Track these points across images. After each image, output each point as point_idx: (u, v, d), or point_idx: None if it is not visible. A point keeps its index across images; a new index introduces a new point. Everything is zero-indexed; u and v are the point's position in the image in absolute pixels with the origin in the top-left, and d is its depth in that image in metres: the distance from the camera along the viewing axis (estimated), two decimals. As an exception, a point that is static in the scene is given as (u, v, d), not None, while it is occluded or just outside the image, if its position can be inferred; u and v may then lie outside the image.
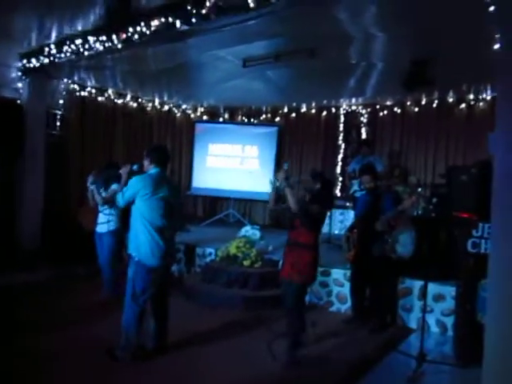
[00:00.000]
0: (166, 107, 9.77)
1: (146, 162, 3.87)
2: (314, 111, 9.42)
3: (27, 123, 6.84)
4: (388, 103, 8.50)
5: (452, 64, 5.49)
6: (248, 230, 6.78)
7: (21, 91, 6.97)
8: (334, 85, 7.43)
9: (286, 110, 9.70)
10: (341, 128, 9.16)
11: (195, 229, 8.28)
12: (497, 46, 3.16)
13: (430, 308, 4.82)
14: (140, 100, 9.19)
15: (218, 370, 3.73)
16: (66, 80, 7.69)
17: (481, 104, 7.58)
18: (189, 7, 4.23)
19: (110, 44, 5.14)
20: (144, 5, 4.52)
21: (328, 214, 4.00)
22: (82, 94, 8.11)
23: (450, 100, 7.81)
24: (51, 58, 6.04)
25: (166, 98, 9.47)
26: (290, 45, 5.47)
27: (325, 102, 8.99)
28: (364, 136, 8.82)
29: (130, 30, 4.82)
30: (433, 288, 4.78)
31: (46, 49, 5.99)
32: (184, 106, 10.03)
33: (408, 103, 8.27)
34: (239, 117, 10.33)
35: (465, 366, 3.96)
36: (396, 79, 5.91)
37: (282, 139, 9.54)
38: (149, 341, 3.91)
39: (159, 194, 3.68)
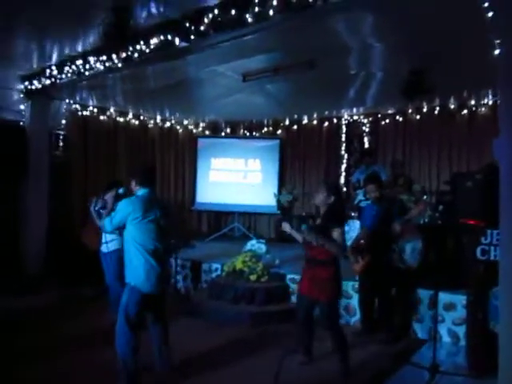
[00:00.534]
0: (168, 123, 9.80)
1: (132, 183, 3.71)
2: (315, 122, 9.43)
3: (30, 145, 6.87)
4: (389, 112, 8.50)
5: (452, 70, 5.49)
6: (254, 244, 6.73)
7: (23, 113, 7.02)
8: (334, 95, 7.45)
9: (287, 122, 9.71)
10: (343, 138, 9.15)
11: (200, 244, 8.24)
12: (497, 52, 3.14)
13: (441, 317, 4.75)
14: (142, 117, 9.24)
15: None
16: (67, 100, 7.75)
17: (482, 109, 7.57)
18: (187, 24, 4.26)
19: (111, 63, 5.18)
20: (143, 23, 4.55)
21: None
22: (84, 113, 8.15)
23: (452, 106, 7.80)
24: (52, 79, 6.09)
25: (167, 115, 9.51)
26: (288, 58, 5.50)
27: (326, 112, 9.00)
28: (366, 145, 8.80)
29: (130, 48, 4.87)
30: (443, 297, 4.70)
31: (48, 70, 6.04)
32: (185, 122, 10.06)
33: (409, 111, 8.27)
34: (241, 131, 10.35)
35: (479, 376, 3.88)
36: (396, 88, 5.91)
37: (284, 152, 9.55)
38: (155, 362, 3.82)
39: (149, 216, 3.53)
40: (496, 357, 2.97)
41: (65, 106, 7.79)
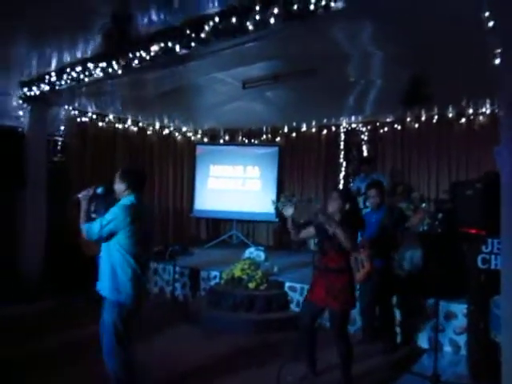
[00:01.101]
0: (167, 130, 9.79)
1: (120, 187, 3.44)
2: (314, 130, 9.44)
3: (29, 151, 6.84)
4: (388, 120, 8.51)
5: (451, 79, 5.50)
6: (252, 252, 6.71)
7: (22, 119, 7.00)
8: (333, 103, 7.46)
9: (286, 129, 9.71)
10: (341, 146, 9.15)
11: (199, 251, 8.21)
12: (498, 61, 3.15)
13: (442, 327, 4.72)
14: (140, 124, 9.22)
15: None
16: (66, 107, 7.73)
17: (481, 118, 7.59)
18: (188, 31, 4.26)
19: (110, 70, 5.17)
20: (143, 30, 4.55)
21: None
22: (83, 119, 8.14)
23: (450, 115, 7.82)
24: (52, 86, 6.08)
25: (166, 122, 9.50)
26: (288, 65, 5.50)
27: (325, 120, 9.01)
28: (365, 154, 8.81)
29: (130, 55, 4.85)
30: (444, 306, 4.68)
31: (47, 76, 6.02)
32: (184, 129, 10.06)
33: (408, 119, 8.28)
34: (240, 138, 10.35)
35: (480, 386, 3.86)
36: (395, 96, 5.92)
37: (282, 159, 9.55)
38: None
39: (141, 224, 3.34)
40: (498, 367, 2.95)
41: (64, 113, 7.76)
